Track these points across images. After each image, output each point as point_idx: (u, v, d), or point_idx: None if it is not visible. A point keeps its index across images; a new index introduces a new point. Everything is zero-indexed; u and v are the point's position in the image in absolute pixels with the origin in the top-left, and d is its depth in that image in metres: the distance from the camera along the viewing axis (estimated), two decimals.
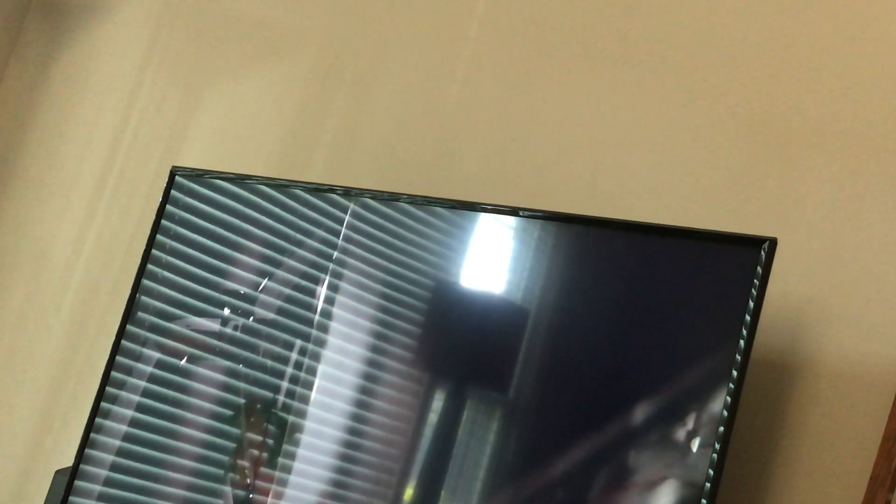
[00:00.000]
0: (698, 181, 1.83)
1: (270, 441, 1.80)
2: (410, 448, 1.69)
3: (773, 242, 1.53)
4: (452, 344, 1.73)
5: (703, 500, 1.45)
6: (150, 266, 2.00)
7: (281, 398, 1.81)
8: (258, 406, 1.84)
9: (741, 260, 1.54)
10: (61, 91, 2.67)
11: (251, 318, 1.89)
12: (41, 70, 2.72)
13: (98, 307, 2.43)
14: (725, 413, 1.48)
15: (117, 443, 1.93)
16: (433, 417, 1.69)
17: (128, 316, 1.99)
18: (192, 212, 2.00)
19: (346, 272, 1.83)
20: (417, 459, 1.68)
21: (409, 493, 1.67)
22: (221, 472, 1.83)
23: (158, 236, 2.01)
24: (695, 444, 1.50)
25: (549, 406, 1.62)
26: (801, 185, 1.74)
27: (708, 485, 1.46)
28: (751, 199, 1.78)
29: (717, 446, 1.47)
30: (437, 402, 1.70)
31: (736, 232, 1.58)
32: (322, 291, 1.84)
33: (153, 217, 2.02)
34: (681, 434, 1.51)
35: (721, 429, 1.48)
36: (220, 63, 2.45)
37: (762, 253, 1.53)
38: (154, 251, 2.00)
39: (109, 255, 2.45)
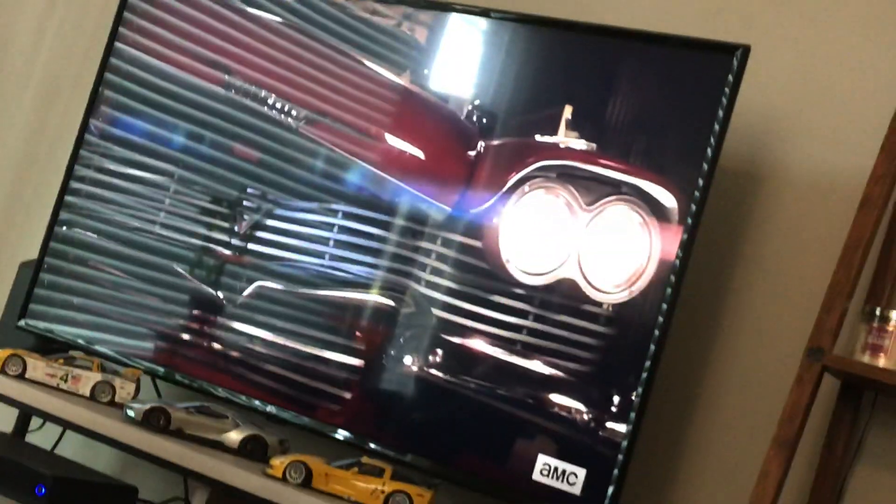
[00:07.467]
0: None
1: (236, 241, 1.81)
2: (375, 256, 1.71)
3: (746, 50, 1.52)
4: (418, 146, 1.73)
5: (667, 293, 1.49)
6: (112, 60, 1.96)
7: (248, 196, 1.82)
8: (224, 203, 1.83)
9: (713, 67, 1.53)
10: None
11: (218, 116, 1.87)
12: None
13: (60, 100, 2.39)
14: (689, 220, 1.50)
15: (82, 235, 1.93)
16: (399, 222, 1.70)
17: (90, 109, 1.96)
18: (154, 4, 1.95)
19: (311, 71, 1.81)
20: (378, 276, 1.70)
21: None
22: (188, 267, 1.84)
23: (121, 28, 1.96)
24: (658, 248, 1.52)
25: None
26: None
27: (669, 289, 1.49)
28: (726, 5, 1.76)
29: (680, 254, 1.49)
30: (402, 213, 1.70)
31: (709, 38, 1.57)
32: (289, 91, 1.82)
33: (115, 7, 1.97)
34: (644, 240, 1.53)
35: (685, 236, 1.50)
36: None
37: (735, 60, 1.52)
38: (117, 43, 1.96)
39: (71, 48, 2.40)
